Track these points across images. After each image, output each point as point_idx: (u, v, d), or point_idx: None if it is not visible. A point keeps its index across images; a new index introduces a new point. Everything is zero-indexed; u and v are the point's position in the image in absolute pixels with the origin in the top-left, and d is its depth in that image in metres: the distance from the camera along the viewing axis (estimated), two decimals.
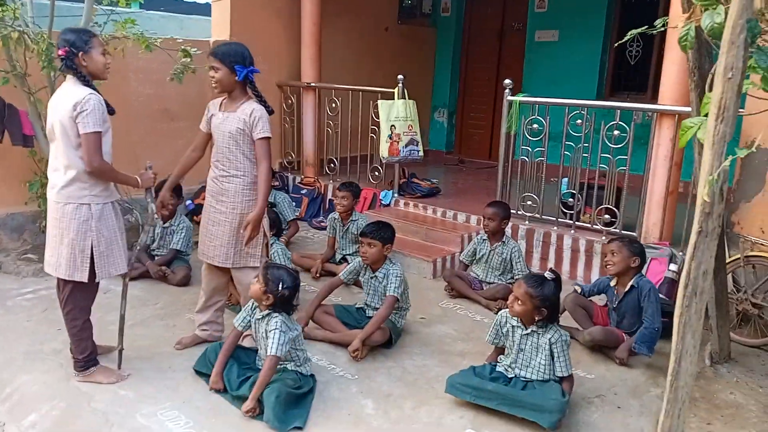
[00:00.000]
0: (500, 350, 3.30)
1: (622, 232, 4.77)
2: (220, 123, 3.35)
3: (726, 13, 1.32)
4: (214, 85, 3.30)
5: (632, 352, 3.58)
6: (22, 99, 4.47)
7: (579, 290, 3.92)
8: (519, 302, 3.04)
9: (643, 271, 3.84)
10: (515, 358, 3.14)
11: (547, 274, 3.13)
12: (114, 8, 4.83)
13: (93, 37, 3.00)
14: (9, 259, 4.79)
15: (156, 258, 4.80)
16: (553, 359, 3.04)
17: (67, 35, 2.93)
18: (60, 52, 2.90)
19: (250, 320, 3.19)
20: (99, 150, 2.88)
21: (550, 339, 3.04)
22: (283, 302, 3.06)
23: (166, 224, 4.88)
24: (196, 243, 5.32)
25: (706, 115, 1.64)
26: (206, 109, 3.48)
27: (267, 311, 3.07)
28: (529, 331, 3.10)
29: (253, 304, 3.18)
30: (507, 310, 3.20)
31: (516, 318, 3.13)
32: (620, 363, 3.60)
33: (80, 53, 2.92)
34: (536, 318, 3.04)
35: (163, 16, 7.14)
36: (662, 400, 3.24)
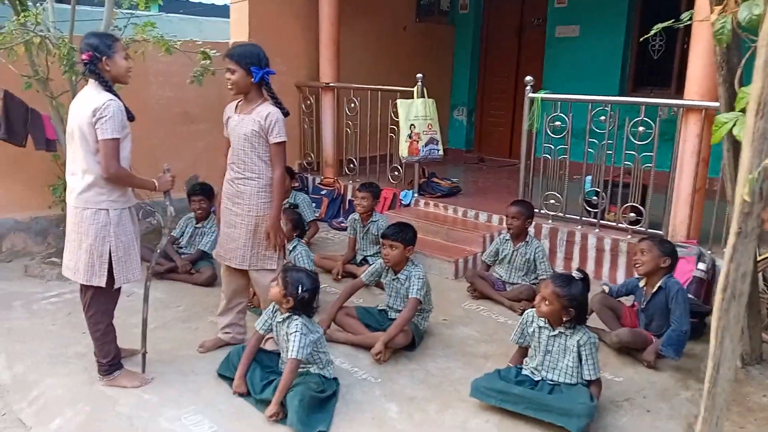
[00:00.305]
0: (524, 351, 3.24)
1: (649, 230, 4.69)
2: (236, 125, 3.34)
3: (765, 4, 1.26)
4: (230, 87, 3.29)
5: (660, 355, 3.50)
6: (44, 103, 4.51)
7: (607, 290, 3.84)
8: (546, 302, 2.99)
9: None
10: (542, 360, 3.08)
11: (575, 274, 3.07)
12: (134, 11, 4.85)
13: (116, 41, 3.01)
14: (34, 262, 4.83)
15: (183, 256, 4.83)
16: (581, 362, 2.98)
17: (91, 39, 2.94)
18: (84, 57, 2.90)
19: (271, 323, 3.18)
20: (116, 156, 2.88)
21: (578, 341, 2.98)
22: (303, 305, 3.04)
23: (199, 225, 4.94)
24: None
25: (741, 111, 1.58)
26: (223, 114, 3.47)
27: (287, 314, 3.06)
28: (556, 332, 3.04)
29: (274, 306, 3.16)
30: (533, 309, 3.14)
31: (543, 319, 3.08)
32: (648, 365, 3.52)
33: (104, 58, 2.92)
34: (564, 319, 2.98)
35: (182, 18, 7.17)
36: (692, 404, 3.21)
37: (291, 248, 4.34)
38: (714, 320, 1.48)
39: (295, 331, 2.97)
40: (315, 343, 3.05)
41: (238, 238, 3.39)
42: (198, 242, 4.90)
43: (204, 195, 4.91)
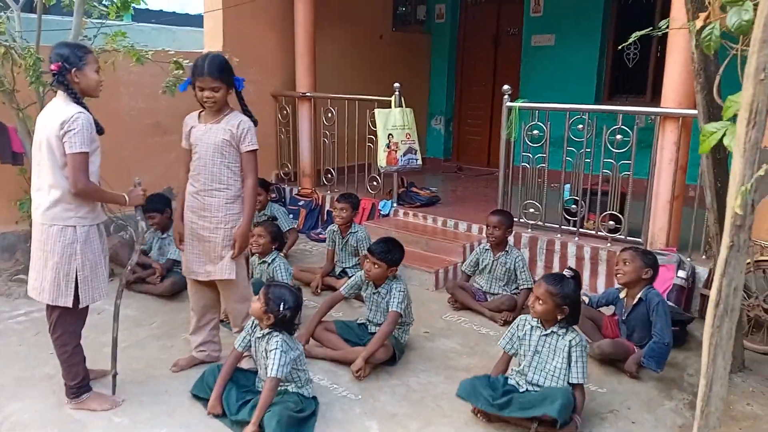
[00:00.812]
0: (508, 360, 3.19)
1: (628, 238, 4.68)
2: (202, 135, 3.21)
3: (755, 9, 1.22)
4: (211, 104, 3.15)
5: (642, 366, 3.47)
6: (10, 115, 4.36)
7: (587, 301, 3.81)
8: (540, 302, 2.97)
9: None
10: (530, 361, 3.04)
11: (567, 272, 3.06)
12: (104, 21, 4.72)
13: (88, 53, 2.89)
14: (0, 280, 4.66)
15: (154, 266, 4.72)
16: (569, 364, 2.94)
17: (62, 50, 2.82)
18: (52, 67, 2.79)
19: (250, 340, 3.08)
20: (85, 170, 2.77)
21: (570, 341, 2.95)
22: (284, 323, 2.95)
23: (163, 235, 4.82)
24: None
25: (730, 120, 1.54)
26: (183, 125, 3.31)
27: (267, 330, 2.96)
28: (548, 331, 3.01)
29: (253, 322, 3.07)
30: (526, 315, 3.13)
31: (536, 319, 3.05)
32: (630, 376, 3.49)
33: (73, 69, 2.81)
34: (558, 317, 2.96)
35: (154, 28, 7.05)
36: (676, 414, 3.18)
37: (270, 261, 4.24)
38: (706, 337, 1.43)
39: (275, 348, 2.88)
40: (295, 360, 2.96)
41: (208, 252, 3.28)
42: (166, 252, 4.82)
43: (155, 209, 4.78)
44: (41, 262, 2.88)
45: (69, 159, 2.73)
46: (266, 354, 2.94)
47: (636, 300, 3.54)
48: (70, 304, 2.88)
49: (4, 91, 4.22)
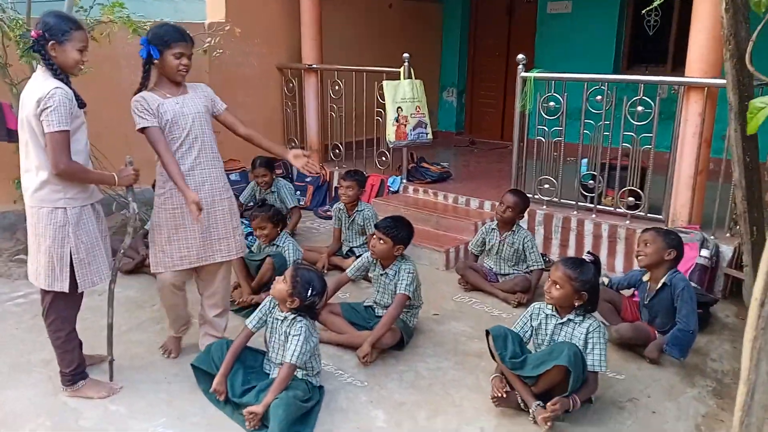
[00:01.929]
0: None
1: (648, 215, 4.47)
2: (180, 108, 3.02)
3: None
4: (184, 74, 3.06)
5: (663, 352, 3.30)
6: (4, 91, 4.21)
7: (607, 282, 3.62)
8: (557, 286, 2.80)
9: None
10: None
11: (586, 257, 2.90)
12: None
13: (76, 29, 2.68)
14: (0, 260, 4.56)
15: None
16: (586, 350, 2.76)
17: (48, 18, 2.64)
18: (33, 34, 2.61)
19: (265, 320, 2.96)
20: (66, 150, 2.60)
21: (587, 328, 2.78)
22: (308, 307, 2.84)
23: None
24: None
25: None
26: (144, 103, 2.98)
27: (291, 314, 2.86)
28: (565, 319, 2.84)
29: (271, 302, 2.95)
30: (541, 302, 2.96)
31: (551, 307, 2.89)
32: (651, 362, 3.32)
33: (51, 42, 2.62)
34: (576, 304, 2.79)
35: None
36: (699, 402, 3.01)
37: (280, 244, 4.07)
38: (747, 339, 1.25)
39: (298, 335, 2.79)
40: (313, 348, 2.87)
41: (227, 226, 3.17)
42: None
43: None
44: (35, 246, 2.76)
45: (48, 139, 2.57)
46: (288, 338, 2.83)
47: (660, 284, 3.34)
48: (66, 289, 2.74)
49: None
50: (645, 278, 3.46)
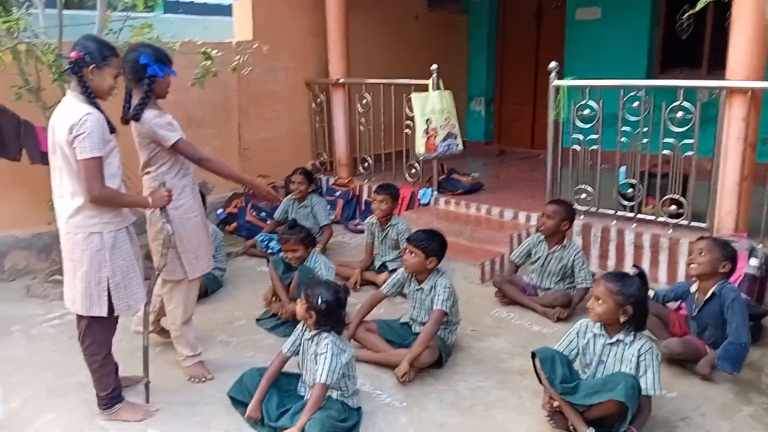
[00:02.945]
0: None
1: (692, 223, 4.31)
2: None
3: None
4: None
5: (715, 368, 3.15)
6: (37, 114, 4.25)
7: (652, 295, 3.48)
8: (599, 302, 2.68)
9: None
10: (594, 371, 2.77)
11: (631, 270, 2.77)
12: (129, 13, 4.56)
13: (115, 56, 2.72)
14: (36, 281, 4.60)
15: None
16: (638, 373, 2.63)
17: (89, 42, 2.66)
18: (72, 55, 2.61)
19: (299, 344, 2.93)
20: (99, 176, 2.59)
21: (639, 349, 2.65)
22: (327, 318, 2.80)
23: None
24: (228, 254, 5.15)
25: None
26: (167, 120, 3.03)
27: (316, 330, 2.83)
28: (614, 340, 2.71)
29: (303, 325, 2.93)
30: (587, 319, 2.83)
31: (598, 325, 2.76)
32: (703, 378, 3.17)
33: (92, 66, 2.63)
34: (621, 320, 2.66)
35: (185, 18, 6.90)
36: (756, 421, 2.85)
37: (311, 263, 4.01)
38: None
39: (325, 352, 2.74)
40: (345, 365, 2.81)
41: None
42: None
43: None
44: (71, 272, 2.75)
45: (81, 166, 2.56)
46: (315, 358, 2.80)
47: (709, 295, 3.19)
48: (104, 314, 2.73)
49: (30, 89, 4.11)
50: (693, 289, 3.32)
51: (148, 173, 3.06)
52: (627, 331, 2.70)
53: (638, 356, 2.64)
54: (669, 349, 3.22)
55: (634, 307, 2.65)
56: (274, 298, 4.05)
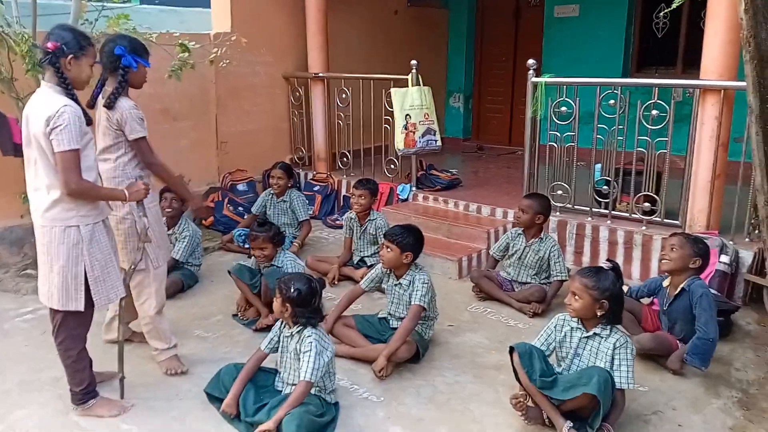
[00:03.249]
0: None
1: (665, 221, 4.39)
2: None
3: None
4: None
5: (685, 362, 3.22)
6: (10, 105, 4.17)
7: (626, 290, 3.54)
8: (576, 297, 2.72)
9: None
10: (569, 364, 2.81)
11: (605, 264, 2.81)
12: (105, 3, 4.49)
13: (91, 45, 2.71)
14: (8, 275, 4.51)
15: None
16: (612, 367, 2.67)
17: (65, 32, 2.63)
18: (49, 45, 2.56)
19: (278, 341, 2.93)
20: (77, 169, 2.56)
21: (614, 343, 2.70)
22: (302, 307, 2.79)
23: (170, 232, 4.55)
24: (205, 249, 5.11)
25: None
26: (140, 115, 3.05)
27: (297, 327, 2.82)
28: (591, 333, 2.76)
29: (281, 322, 2.93)
30: (564, 314, 2.87)
31: (576, 319, 2.80)
32: (674, 373, 3.24)
33: (70, 56, 2.60)
34: (598, 314, 2.70)
35: (162, 10, 6.77)
36: (726, 414, 2.92)
37: (278, 263, 3.99)
38: None
39: (309, 350, 2.74)
40: (328, 363, 2.81)
41: None
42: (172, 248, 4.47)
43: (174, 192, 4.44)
44: (47, 266, 2.70)
45: (58, 158, 2.52)
46: (297, 355, 2.80)
47: (678, 290, 3.26)
48: (81, 308, 2.70)
49: (2, 79, 4.04)
50: (665, 284, 3.38)
51: (106, 160, 3.03)
52: (603, 325, 2.74)
53: (613, 350, 2.69)
54: (641, 345, 3.27)
55: (609, 301, 2.69)
56: (247, 305, 3.97)
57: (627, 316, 3.47)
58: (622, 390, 2.69)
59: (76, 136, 2.53)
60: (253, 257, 4.09)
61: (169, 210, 4.44)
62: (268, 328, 3.68)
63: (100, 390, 2.96)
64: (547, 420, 2.71)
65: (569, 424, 2.62)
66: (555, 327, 2.88)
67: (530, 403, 2.75)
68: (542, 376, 2.68)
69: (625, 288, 3.52)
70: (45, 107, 2.53)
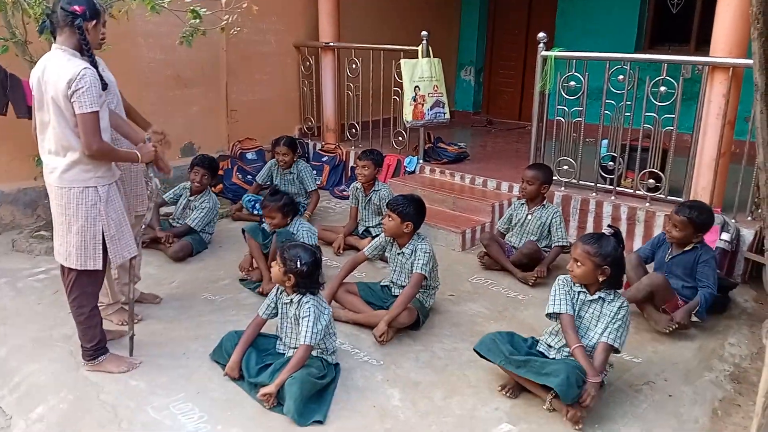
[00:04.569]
0: (574, 327, 2.86)
1: (668, 197, 4.41)
2: (105, 77, 2.85)
3: None
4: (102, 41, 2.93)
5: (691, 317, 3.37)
6: (23, 68, 4.22)
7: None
8: (578, 264, 2.78)
9: None
10: None
11: (606, 230, 2.87)
12: None
13: (104, 11, 2.82)
14: (22, 236, 4.62)
15: (173, 228, 4.62)
16: (611, 325, 2.74)
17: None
18: (77, 8, 2.60)
19: (276, 307, 3.00)
20: (98, 131, 2.63)
21: (619, 306, 2.77)
22: (305, 279, 2.86)
23: (192, 197, 4.69)
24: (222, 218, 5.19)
25: None
26: (97, 86, 2.75)
27: (295, 294, 2.89)
28: (596, 297, 2.81)
29: (278, 288, 3.00)
30: (565, 275, 2.91)
31: (579, 285, 2.85)
32: (678, 327, 3.34)
33: (93, 21, 2.69)
34: (599, 279, 2.75)
35: None
36: (717, 387, 2.99)
37: (293, 229, 4.08)
38: None
39: (308, 315, 2.81)
40: (326, 326, 2.89)
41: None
42: (189, 216, 4.63)
43: (206, 169, 4.65)
44: (64, 227, 2.78)
45: (80, 120, 2.59)
46: (297, 320, 2.87)
47: (690, 247, 3.47)
48: (99, 267, 2.81)
49: (17, 42, 4.08)
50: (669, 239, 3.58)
51: None
52: (607, 291, 2.80)
53: (615, 313, 2.74)
54: (651, 280, 3.41)
55: (611, 267, 2.74)
56: (250, 267, 4.07)
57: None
58: (611, 346, 2.72)
59: (96, 98, 2.60)
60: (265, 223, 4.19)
61: (198, 185, 4.63)
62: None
63: (110, 347, 3.06)
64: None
65: (550, 396, 2.71)
66: (564, 287, 2.87)
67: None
68: (511, 355, 2.77)
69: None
70: (64, 70, 2.57)
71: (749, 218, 4.20)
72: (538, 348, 2.93)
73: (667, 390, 2.96)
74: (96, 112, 2.61)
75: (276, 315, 3.02)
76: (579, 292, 2.86)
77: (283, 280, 2.87)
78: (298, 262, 2.83)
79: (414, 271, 3.40)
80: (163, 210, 4.96)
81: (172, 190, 4.89)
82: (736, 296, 3.88)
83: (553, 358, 2.83)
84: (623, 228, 4.55)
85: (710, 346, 3.37)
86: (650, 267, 3.71)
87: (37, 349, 3.19)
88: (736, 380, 3.06)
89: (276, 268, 2.90)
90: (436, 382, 2.97)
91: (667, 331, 3.35)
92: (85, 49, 2.66)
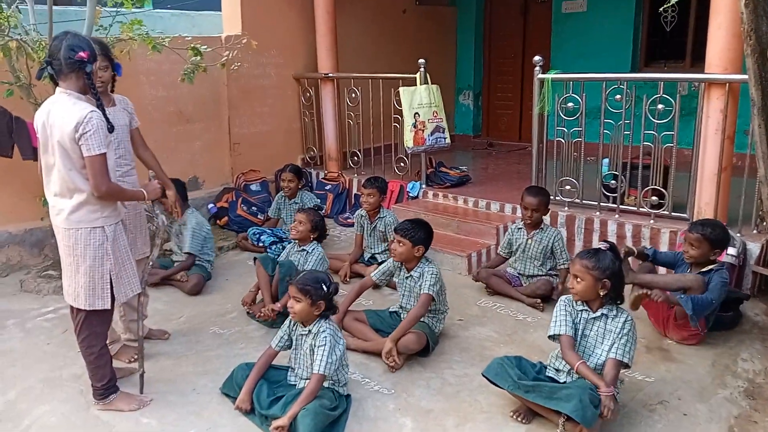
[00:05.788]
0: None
1: (673, 213, 4.42)
2: (112, 119, 2.87)
3: None
4: (101, 84, 3.14)
5: (670, 301, 3.39)
6: (28, 111, 4.28)
7: (651, 254, 3.80)
8: (578, 279, 2.78)
9: None
10: (576, 346, 2.84)
11: (601, 245, 2.88)
12: (118, 9, 4.60)
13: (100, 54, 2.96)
14: (29, 276, 4.64)
15: (176, 264, 4.61)
16: (617, 342, 2.73)
17: (83, 40, 2.73)
18: (84, 55, 2.64)
19: (289, 338, 3.01)
20: (106, 172, 2.67)
21: (623, 322, 2.76)
22: (331, 301, 2.91)
23: (174, 221, 4.63)
24: (220, 248, 5.23)
25: None
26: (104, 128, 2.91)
27: (313, 326, 2.90)
28: (598, 314, 2.80)
29: (291, 321, 2.99)
30: (567, 296, 2.91)
31: (581, 302, 2.85)
32: (655, 298, 3.34)
33: (96, 62, 2.79)
34: (600, 293, 2.75)
35: (173, 14, 6.88)
36: (732, 404, 2.96)
37: (309, 250, 4.10)
38: None
39: (323, 345, 2.81)
40: (341, 357, 2.89)
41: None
42: (181, 240, 4.62)
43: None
44: (72, 268, 2.80)
45: (88, 162, 2.63)
46: (312, 351, 2.86)
47: (707, 269, 3.51)
48: (108, 306, 2.82)
49: (21, 85, 4.15)
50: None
51: None
52: (609, 305, 2.80)
53: (621, 328, 2.74)
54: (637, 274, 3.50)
55: (611, 279, 2.75)
56: (253, 303, 4.05)
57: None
58: (620, 362, 2.70)
59: (103, 141, 2.64)
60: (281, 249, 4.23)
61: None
62: (279, 318, 3.78)
63: (120, 385, 3.05)
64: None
65: (563, 419, 2.67)
66: (565, 307, 2.88)
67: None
68: (520, 379, 2.75)
69: (634, 250, 3.76)
70: (70, 114, 2.61)
71: (755, 231, 4.20)
72: (546, 374, 2.90)
73: (682, 409, 2.93)
74: (104, 154, 2.65)
75: (290, 347, 3.02)
76: (581, 311, 2.86)
77: (312, 311, 2.85)
78: (323, 286, 2.85)
79: (422, 292, 3.40)
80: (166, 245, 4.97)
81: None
82: (746, 310, 3.86)
83: (564, 382, 2.81)
84: (629, 245, 4.54)
85: (723, 362, 3.34)
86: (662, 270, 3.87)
87: (47, 390, 3.19)
88: (751, 396, 3.03)
89: (300, 305, 2.85)
90: (448, 410, 2.95)
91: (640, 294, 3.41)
92: (92, 91, 2.71)
